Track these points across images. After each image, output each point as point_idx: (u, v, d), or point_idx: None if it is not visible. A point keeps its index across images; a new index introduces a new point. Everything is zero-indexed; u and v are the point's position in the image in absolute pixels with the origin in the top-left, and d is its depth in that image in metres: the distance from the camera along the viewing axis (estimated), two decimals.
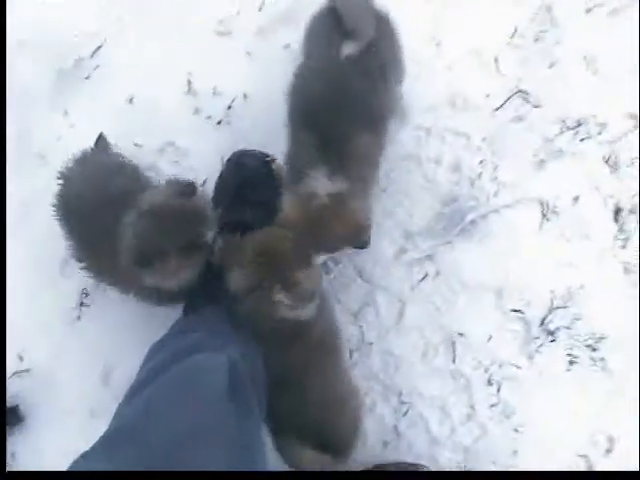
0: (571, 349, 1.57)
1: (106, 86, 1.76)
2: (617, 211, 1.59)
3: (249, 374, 1.21)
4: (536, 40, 1.65)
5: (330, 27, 1.35)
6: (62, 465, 0.93)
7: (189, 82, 1.72)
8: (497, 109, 1.63)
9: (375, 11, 1.38)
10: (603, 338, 1.57)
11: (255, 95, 1.70)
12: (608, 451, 1.55)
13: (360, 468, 1.47)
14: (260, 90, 1.69)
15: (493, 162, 1.62)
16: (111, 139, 1.64)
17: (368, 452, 1.54)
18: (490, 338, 1.58)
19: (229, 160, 1.58)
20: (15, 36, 1.76)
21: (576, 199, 1.61)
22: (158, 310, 1.60)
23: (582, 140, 1.61)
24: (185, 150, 1.70)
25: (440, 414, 1.58)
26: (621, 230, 1.59)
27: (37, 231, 1.67)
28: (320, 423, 1.32)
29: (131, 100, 1.73)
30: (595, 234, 1.59)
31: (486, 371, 1.58)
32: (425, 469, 1.52)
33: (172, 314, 1.56)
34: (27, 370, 1.65)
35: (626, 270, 1.58)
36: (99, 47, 1.75)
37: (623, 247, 1.59)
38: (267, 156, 1.57)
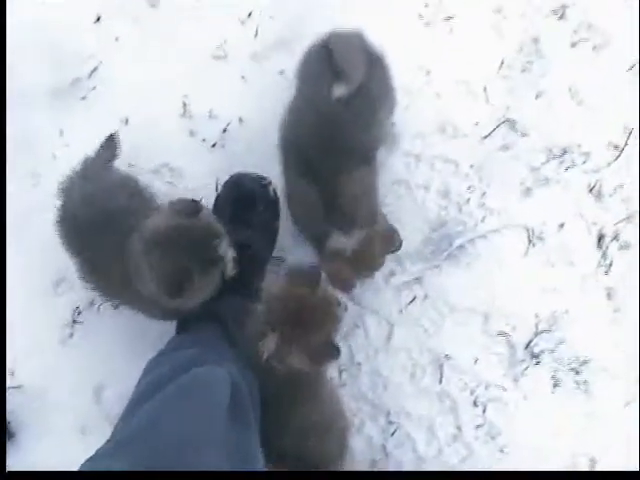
0: (555, 372, 1.61)
1: (102, 107, 1.77)
2: (600, 238, 1.64)
3: (247, 389, 1.23)
4: (523, 71, 1.71)
5: (322, 65, 1.38)
6: None
7: (185, 105, 1.74)
8: (485, 137, 1.68)
9: (368, 51, 1.40)
10: (586, 362, 1.61)
11: (250, 119, 1.73)
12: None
13: None
14: (255, 114, 1.72)
15: (481, 188, 1.67)
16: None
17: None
18: (476, 360, 1.62)
19: (227, 182, 1.61)
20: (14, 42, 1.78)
21: (561, 226, 1.65)
22: (151, 328, 1.63)
23: (567, 169, 1.66)
24: (180, 171, 1.72)
25: (427, 434, 1.61)
26: (604, 256, 1.64)
27: (30, 249, 1.68)
28: (301, 449, 1.34)
29: (127, 121, 1.74)
30: (579, 260, 1.64)
31: (472, 393, 1.61)
32: None
33: (165, 332, 1.59)
34: (19, 386, 1.66)
35: (609, 295, 1.63)
36: (96, 68, 1.77)
37: (606, 273, 1.63)
38: (264, 179, 1.60)
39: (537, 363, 1.62)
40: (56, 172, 1.52)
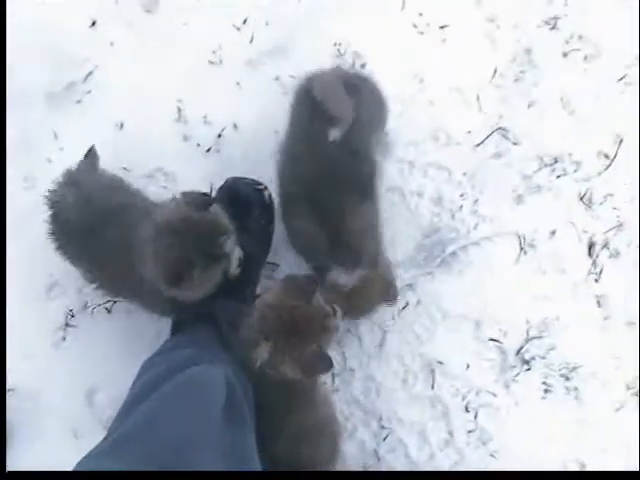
0: (546, 378, 1.63)
1: (97, 111, 1.77)
2: (591, 246, 1.66)
3: (242, 390, 1.24)
4: (516, 80, 1.72)
5: (309, 111, 1.38)
6: None
7: (179, 109, 1.75)
8: (478, 145, 1.70)
9: (350, 85, 1.41)
10: (576, 368, 1.63)
11: (245, 125, 1.74)
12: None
13: None
14: (250, 120, 1.73)
15: (473, 196, 1.68)
16: (100, 163, 1.66)
17: None
18: (468, 366, 1.63)
19: (222, 187, 1.61)
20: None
21: (552, 233, 1.67)
22: (144, 332, 1.64)
23: (558, 177, 1.69)
24: (174, 176, 1.72)
25: (419, 439, 1.62)
26: (594, 264, 1.66)
27: (22, 253, 1.68)
28: (294, 454, 1.34)
29: (121, 126, 1.75)
30: (570, 268, 1.66)
31: (464, 398, 1.63)
32: None
33: (158, 335, 1.59)
34: (12, 389, 1.65)
35: (599, 303, 1.65)
36: (91, 72, 1.77)
37: (596, 281, 1.65)
38: (259, 183, 1.60)
39: (528, 369, 1.63)
40: (50, 176, 1.52)
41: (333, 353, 1.45)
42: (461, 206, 1.68)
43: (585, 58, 1.73)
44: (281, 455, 1.33)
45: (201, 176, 1.70)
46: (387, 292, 1.47)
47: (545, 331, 1.64)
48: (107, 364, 1.65)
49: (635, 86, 1.72)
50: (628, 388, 1.63)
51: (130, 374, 1.31)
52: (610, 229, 1.67)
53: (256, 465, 1.16)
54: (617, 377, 1.64)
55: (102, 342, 1.67)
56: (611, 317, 1.65)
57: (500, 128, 1.70)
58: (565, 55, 1.73)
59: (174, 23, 1.77)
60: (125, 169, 1.71)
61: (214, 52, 1.77)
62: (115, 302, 1.66)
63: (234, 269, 1.38)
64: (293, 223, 1.43)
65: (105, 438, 1.06)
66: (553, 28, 1.74)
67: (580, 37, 1.74)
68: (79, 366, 1.68)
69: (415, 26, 1.75)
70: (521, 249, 1.66)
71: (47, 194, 1.47)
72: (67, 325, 1.69)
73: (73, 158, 1.59)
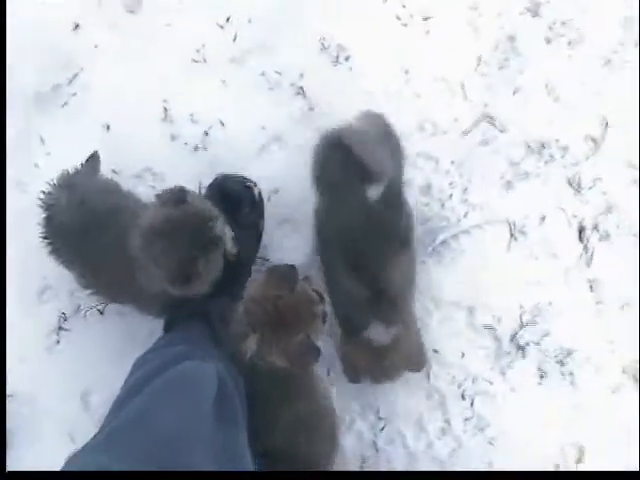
0: (541, 364, 1.63)
1: (83, 113, 1.77)
2: (581, 230, 1.67)
3: (234, 386, 1.24)
4: (500, 68, 1.73)
5: (344, 169, 1.36)
6: None
7: (165, 109, 1.75)
8: (464, 133, 1.69)
9: (388, 137, 1.42)
10: (571, 353, 1.63)
11: (231, 122, 1.74)
12: (579, 461, 1.61)
13: None
14: (236, 117, 1.73)
15: (462, 184, 1.69)
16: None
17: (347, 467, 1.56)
18: (463, 354, 1.63)
19: (211, 185, 1.61)
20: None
21: (542, 219, 1.67)
22: (137, 333, 1.63)
23: (546, 163, 1.69)
24: (162, 176, 1.72)
25: (416, 429, 1.62)
26: (585, 249, 1.66)
27: (14, 257, 1.67)
28: (291, 446, 1.34)
29: (108, 127, 1.75)
30: (561, 252, 1.66)
31: (460, 386, 1.63)
32: None
33: (151, 335, 1.59)
34: (10, 395, 1.65)
35: (591, 287, 1.65)
36: (76, 75, 1.77)
37: (588, 265, 1.65)
38: (248, 180, 1.61)
39: (523, 355, 1.63)
40: (38, 181, 1.51)
41: (326, 344, 1.44)
42: (450, 195, 1.68)
43: (569, 44, 1.73)
44: (277, 446, 1.33)
45: (189, 175, 1.70)
46: (416, 356, 1.47)
47: (539, 317, 1.64)
48: (101, 366, 1.64)
49: (620, 70, 1.72)
50: (624, 371, 1.63)
51: (124, 375, 1.30)
52: (600, 213, 1.67)
53: (247, 460, 1.16)
54: (612, 360, 1.64)
55: (95, 344, 1.67)
56: (604, 301, 1.65)
57: (486, 116, 1.70)
58: (549, 41, 1.74)
59: (157, 23, 1.77)
60: (114, 171, 1.70)
61: (198, 51, 1.77)
62: (108, 304, 1.65)
63: (231, 248, 1.39)
64: (334, 281, 1.41)
65: (98, 432, 1.06)
66: (536, 15, 1.75)
67: (563, 23, 1.74)
68: (73, 369, 1.67)
69: (398, 18, 1.75)
70: (512, 236, 1.66)
71: (41, 197, 1.46)
72: (60, 328, 1.68)
73: (61, 162, 1.57)
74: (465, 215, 1.67)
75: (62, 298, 1.68)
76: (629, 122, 1.69)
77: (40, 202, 1.45)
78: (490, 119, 1.70)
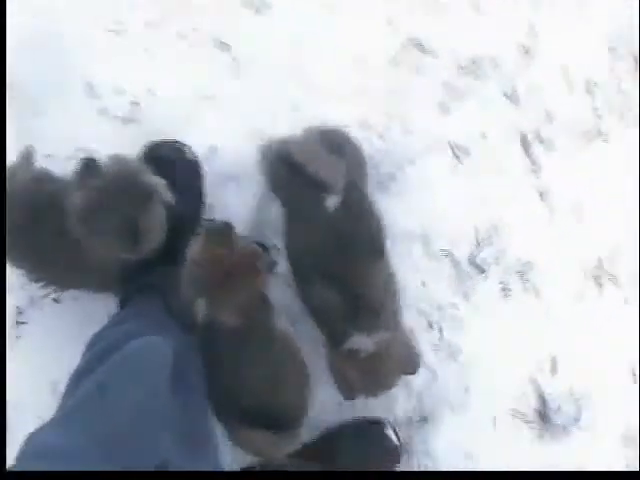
0: (503, 280, 1.62)
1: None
2: (524, 142, 1.64)
3: (191, 362, 1.23)
4: None
5: (293, 179, 1.33)
6: None
7: (90, 85, 1.70)
8: (393, 62, 1.66)
9: (334, 144, 1.36)
10: (531, 264, 1.62)
11: (158, 88, 1.69)
12: (553, 372, 1.60)
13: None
14: (162, 83, 1.68)
15: (399, 114, 1.65)
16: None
17: (324, 414, 1.54)
18: (424, 284, 1.61)
19: (143, 154, 1.57)
20: None
21: (484, 136, 1.65)
22: (95, 315, 1.60)
23: (480, 80, 1.66)
24: (96, 153, 1.67)
25: None
26: (531, 160, 1.64)
27: None
28: (262, 404, 1.33)
29: (34, 111, 1.70)
30: (507, 167, 1.65)
31: (426, 317, 1.61)
32: (386, 421, 1.54)
33: (110, 315, 1.55)
34: None
35: (542, 196, 1.63)
36: None
37: (536, 175, 1.63)
38: (179, 143, 1.57)
39: (484, 276, 1.62)
40: None
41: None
42: (389, 126, 1.64)
43: None
44: (250, 408, 1.32)
45: (123, 147, 1.64)
46: (408, 360, 1.42)
47: (494, 235, 1.63)
48: (64, 353, 1.59)
49: None
50: (585, 277, 1.62)
51: None
52: (540, 122, 1.65)
53: (206, 432, 1.18)
54: (573, 267, 1.63)
55: (56, 332, 1.63)
56: (556, 209, 1.64)
57: (413, 41, 1.66)
58: None
59: None
60: (48, 156, 1.65)
61: (115, 21, 1.71)
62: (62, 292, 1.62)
63: (167, 196, 1.35)
64: (309, 296, 1.38)
65: (56, 411, 1.05)
66: None
67: None
68: (39, 360, 1.64)
69: None
70: (456, 157, 1.64)
71: None
72: (18, 323, 1.65)
73: None
74: (406, 144, 1.64)
75: (14, 292, 1.64)
76: (559, 25, 1.66)
77: None
78: (417, 44, 1.66)
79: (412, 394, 1.59)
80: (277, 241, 1.51)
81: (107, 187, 1.26)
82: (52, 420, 0.99)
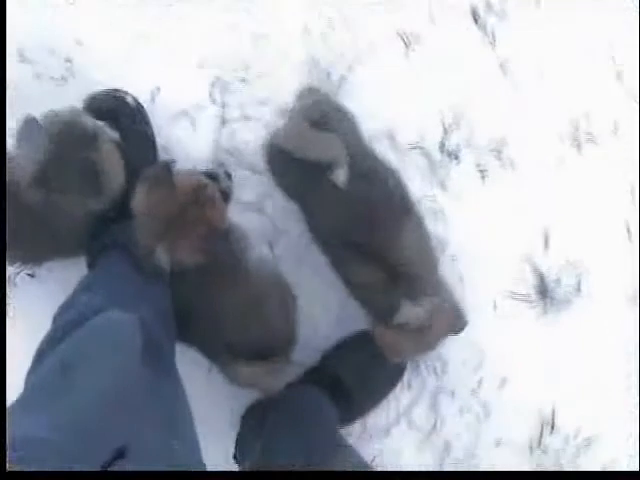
0: (478, 162, 1.56)
1: None
2: (474, 15, 1.57)
3: (164, 331, 1.21)
4: None
5: (296, 170, 1.28)
6: None
7: (19, 51, 1.63)
8: None
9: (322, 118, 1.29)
10: (503, 140, 1.56)
11: (88, 40, 1.62)
12: (546, 245, 1.55)
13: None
14: (92, 34, 1.62)
15: (340, 16, 1.58)
16: None
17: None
18: None
19: (84, 108, 1.50)
20: None
21: (432, 21, 1.58)
22: (72, 281, 1.55)
23: None
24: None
25: None
26: (484, 31, 1.57)
27: None
28: (244, 335, 1.31)
29: None
30: (461, 45, 1.57)
31: None
32: None
33: None
34: None
35: (503, 68, 1.57)
36: None
37: (492, 46, 1.56)
38: (118, 91, 1.52)
39: (457, 161, 1.55)
40: None
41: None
42: (333, 27, 1.57)
43: None
44: (236, 341, 1.31)
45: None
46: (456, 321, 1.38)
47: (461, 118, 1.56)
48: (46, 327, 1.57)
49: None
50: (561, 140, 1.56)
51: None
52: None
53: (180, 406, 1.15)
54: (547, 133, 1.58)
55: (34, 308, 1.59)
56: (520, 80, 1.58)
57: None
58: None
59: None
60: None
61: None
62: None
63: (113, 134, 1.35)
64: (348, 278, 1.35)
65: (23, 390, 1.01)
66: None
67: None
68: (23, 338, 1.60)
69: None
70: (407, 46, 1.56)
71: None
72: None
73: None
74: (351, 44, 1.57)
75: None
76: None
77: None
78: None
79: None
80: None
81: (51, 140, 1.23)
82: (18, 402, 0.95)
